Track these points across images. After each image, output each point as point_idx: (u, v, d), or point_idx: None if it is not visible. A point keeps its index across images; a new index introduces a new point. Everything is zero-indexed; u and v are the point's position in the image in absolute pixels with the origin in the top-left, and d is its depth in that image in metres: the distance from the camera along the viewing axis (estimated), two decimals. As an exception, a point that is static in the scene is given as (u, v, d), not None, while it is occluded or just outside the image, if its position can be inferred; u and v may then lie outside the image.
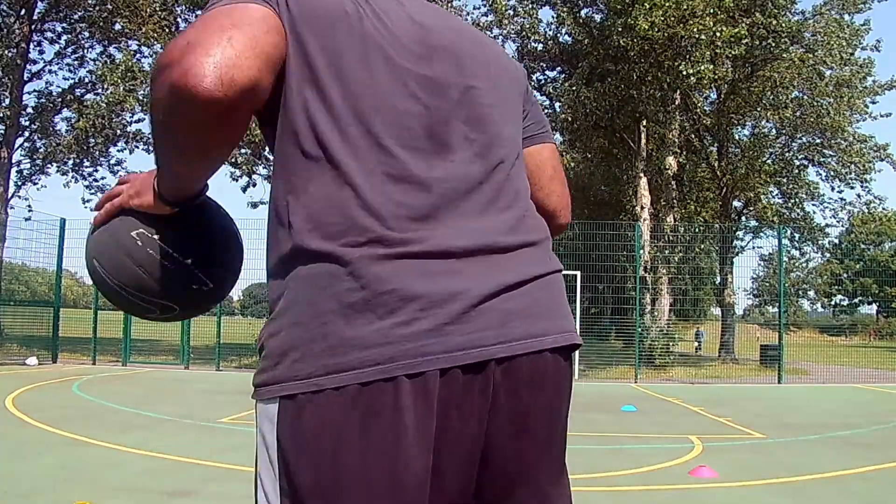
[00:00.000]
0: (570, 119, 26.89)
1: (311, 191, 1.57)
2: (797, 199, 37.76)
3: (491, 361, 1.58)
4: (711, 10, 23.28)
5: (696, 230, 31.84)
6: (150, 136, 20.21)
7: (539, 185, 2.03)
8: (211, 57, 1.42)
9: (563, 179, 2.14)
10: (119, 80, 24.73)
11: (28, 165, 30.68)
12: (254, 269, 30.98)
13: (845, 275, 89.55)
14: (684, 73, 23.80)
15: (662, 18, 23.07)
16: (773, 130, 34.64)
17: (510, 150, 1.82)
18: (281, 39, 1.56)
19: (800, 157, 35.47)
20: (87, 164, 31.45)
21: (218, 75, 1.41)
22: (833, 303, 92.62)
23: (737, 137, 36.04)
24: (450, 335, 1.52)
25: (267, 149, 26.43)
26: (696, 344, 36.74)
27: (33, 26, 29.36)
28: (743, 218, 38.86)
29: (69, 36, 30.61)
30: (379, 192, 1.56)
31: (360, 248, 1.52)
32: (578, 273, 23.45)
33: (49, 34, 30.60)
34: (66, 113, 30.52)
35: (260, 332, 1.62)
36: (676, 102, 29.12)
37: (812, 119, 30.79)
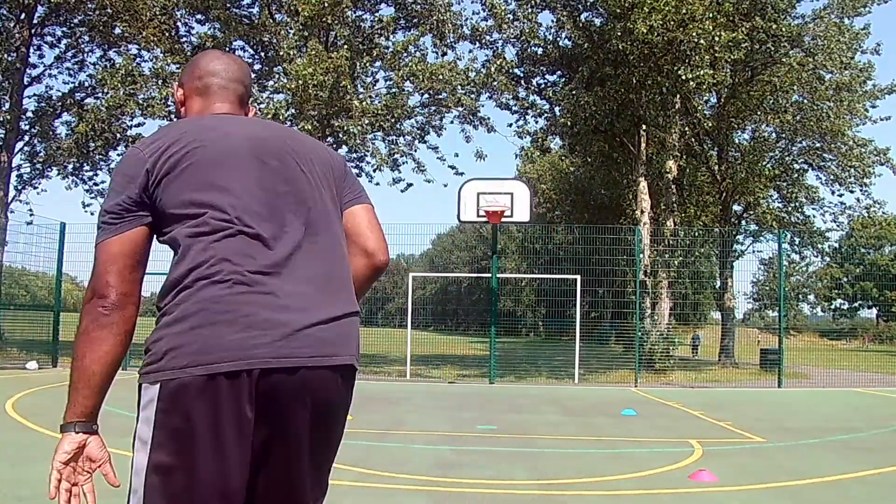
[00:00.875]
0: (569, 123, 26.88)
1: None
2: (797, 204, 37.78)
3: (301, 369, 2.28)
4: (711, 15, 23.29)
5: (696, 234, 31.84)
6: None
7: (359, 233, 2.74)
8: None
9: (378, 228, 2.80)
10: (119, 84, 24.74)
11: (28, 169, 30.72)
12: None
13: (845, 279, 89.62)
14: (684, 77, 23.82)
15: (662, 23, 23.08)
16: (773, 134, 34.64)
17: (325, 221, 2.53)
18: None
19: (800, 161, 35.47)
20: (87, 167, 31.46)
21: None
22: (833, 307, 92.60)
23: (737, 141, 36.04)
24: (280, 348, 2.23)
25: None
26: (693, 348, 36.74)
27: (33, 30, 29.37)
28: (743, 222, 38.84)
29: (69, 40, 30.61)
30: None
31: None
32: (578, 277, 23.46)
33: (49, 38, 30.63)
34: (66, 117, 30.56)
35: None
36: (676, 106, 29.14)
37: (812, 123, 30.77)
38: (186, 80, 2.89)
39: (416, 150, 27.90)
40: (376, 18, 27.16)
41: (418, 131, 28.31)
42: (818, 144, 32.91)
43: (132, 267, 2.52)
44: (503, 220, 22.39)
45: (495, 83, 26.08)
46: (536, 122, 30.33)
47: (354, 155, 29.15)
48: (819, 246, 41.26)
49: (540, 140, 29.92)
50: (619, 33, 24.45)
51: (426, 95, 26.72)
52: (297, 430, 2.34)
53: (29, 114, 29.98)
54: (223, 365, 2.20)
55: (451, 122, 28.36)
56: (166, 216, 2.42)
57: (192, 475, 2.24)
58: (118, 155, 30.97)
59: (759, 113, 32.25)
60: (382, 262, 2.80)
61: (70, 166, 30.56)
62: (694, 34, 23.02)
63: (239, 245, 2.32)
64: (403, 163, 27.98)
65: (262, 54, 28.17)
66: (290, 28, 24.74)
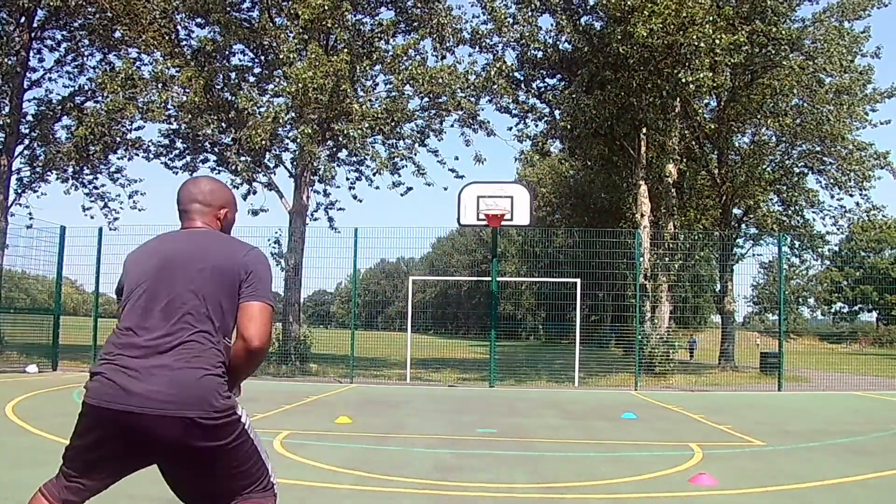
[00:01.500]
0: (569, 127, 26.87)
1: None
2: (797, 207, 37.77)
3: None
4: (711, 18, 23.32)
5: (696, 238, 31.87)
6: (149, 143, 20.13)
7: (243, 324, 3.71)
8: None
9: (259, 321, 3.70)
10: (119, 88, 24.71)
11: (28, 173, 30.71)
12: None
13: (845, 282, 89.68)
14: (684, 80, 23.82)
15: (661, 26, 23.09)
16: (773, 138, 34.63)
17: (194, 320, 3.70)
18: None
19: (800, 165, 35.45)
20: (86, 171, 31.46)
21: None
22: (833, 310, 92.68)
23: (737, 145, 36.04)
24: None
25: (267, 156, 26.49)
26: (690, 351, 36.68)
27: (33, 34, 29.36)
28: (743, 225, 38.84)
29: (69, 44, 30.59)
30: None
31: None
32: (578, 281, 23.46)
33: (49, 42, 30.60)
34: (65, 120, 30.53)
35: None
36: (676, 110, 29.14)
37: (812, 126, 30.73)
38: None
39: (416, 154, 27.85)
40: (376, 22, 27.17)
41: (418, 135, 28.27)
42: (818, 148, 32.87)
43: None
44: (503, 223, 22.38)
45: (495, 87, 26.05)
46: (536, 126, 30.40)
47: (354, 158, 29.15)
48: (819, 249, 41.23)
49: (540, 143, 29.91)
50: (618, 37, 24.47)
51: (426, 99, 26.69)
52: None
53: (29, 117, 29.97)
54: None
55: (451, 126, 28.36)
56: None
57: None
58: (118, 159, 31.03)
59: (758, 116, 32.26)
60: (257, 346, 3.72)
61: (70, 170, 30.55)
62: (694, 38, 23.05)
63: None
64: (403, 166, 27.95)
65: (262, 58, 28.15)
66: (290, 31, 24.72)
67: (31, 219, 28.86)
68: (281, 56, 24.02)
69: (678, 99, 28.24)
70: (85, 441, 4.10)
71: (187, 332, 3.65)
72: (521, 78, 29.96)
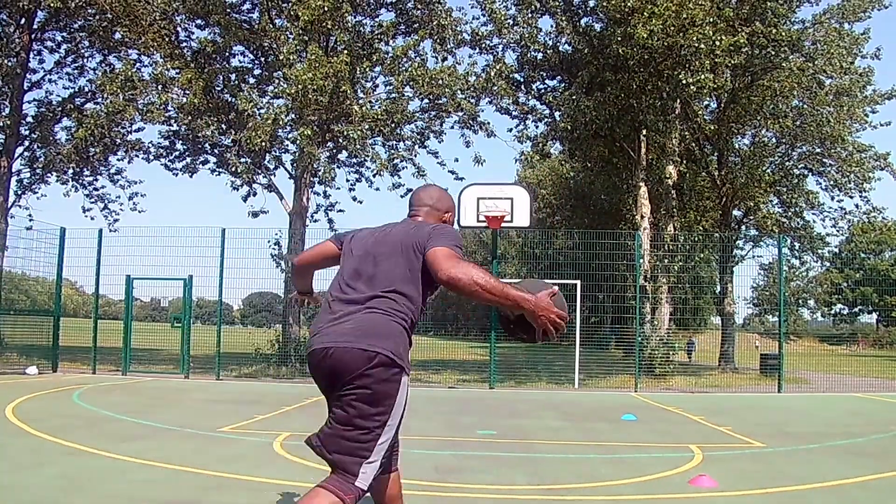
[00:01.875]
0: (569, 128, 26.87)
1: None
2: (797, 209, 37.76)
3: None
4: (711, 20, 23.30)
5: (696, 239, 31.86)
6: (149, 144, 20.19)
7: (430, 263, 4.34)
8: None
9: (439, 259, 4.25)
10: (119, 90, 24.73)
11: (28, 175, 30.74)
12: (254, 278, 30.62)
13: (845, 284, 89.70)
14: (684, 82, 23.79)
15: (662, 28, 23.08)
16: (773, 139, 34.63)
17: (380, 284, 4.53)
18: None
19: (800, 167, 35.44)
20: (86, 173, 31.49)
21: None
22: (833, 312, 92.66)
23: (737, 146, 36.03)
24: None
25: (267, 157, 26.50)
26: (688, 353, 36.67)
27: (33, 35, 29.39)
28: (743, 227, 38.84)
29: (69, 45, 30.63)
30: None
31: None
32: (578, 282, 23.41)
33: (49, 43, 30.64)
34: (65, 122, 30.57)
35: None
36: (676, 111, 29.13)
37: (812, 128, 30.72)
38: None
39: (416, 156, 27.80)
40: (376, 23, 27.16)
41: (418, 136, 28.26)
42: (818, 150, 32.87)
43: None
44: (503, 225, 22.35)
45: (495, 88, 26.04)
46: (536, 127, 30.39)
47: (354, 160, 29.15)
48: (819, 251, 41.22)
49: (540, 145, 29.88)
50: (618, 38, 24.45)
51: (426, 100, 26.70)
52: None
53: (29, 119, 30.02)
54: None
55: (451, 128, 28.34)
56: None
57: None
58: (118, 160, 31.08)
59: (759, 118, 32.27)
60: (441, 278, 4.25)
61: (70, 171, 30.58)
62: (694, 39, 23.03)
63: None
64: (403, 168, 27.91)
65: (262, 59, 28.16)
66: (290, 33, 24.72)
67: (31, 220, 28.94)
68: (281, 57, 24.02)
69: (678, 100, 28.24)
70: None
71: None
72: (521, 79, 29.96)
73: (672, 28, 23.21)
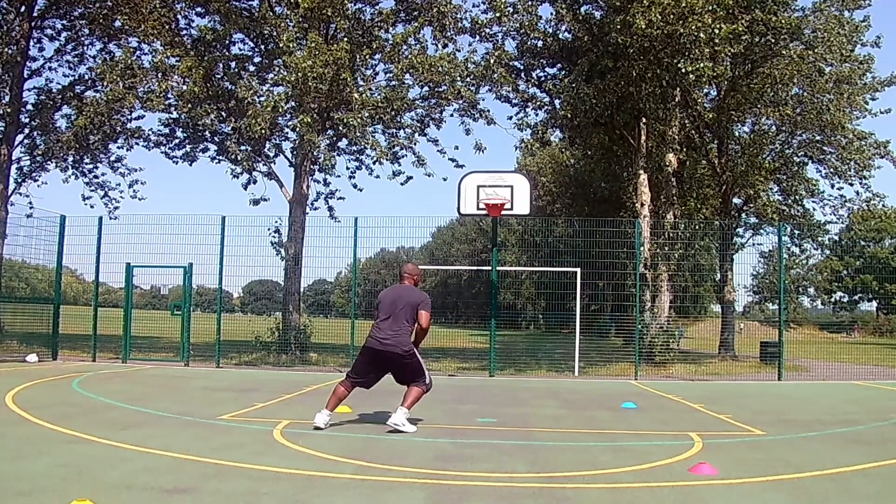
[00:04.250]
0: (569, 116, 26.79)
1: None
2: (797, 196, 37.74)
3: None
4: (710, 8, 23.22)
5: (697, 227, 31.81)
6: (149, 132, 20.22)
7: (420, 320, 11.30)
8: None
9: (425, 318, 11.30)
10: (119, 78, 24.72)
11: (28, 162, 30.73)
12: (254, 266, 30.69)
13: (845, 272, 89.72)
14: (683, 70, 23.73)
15: (661, 16, 23.02)
16: (773, 127, 34.59)
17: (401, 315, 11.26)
18: None
19: (800, 154, 35.41)
20: (86, 160, 31.48)
21: None
22: (833, 300, 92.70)
23: (737, 134, 36.01)
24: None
25: (267, 145, 26.50)
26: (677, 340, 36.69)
27: (33, 23, 29.37)
28: (743, 215, 38.82)
29: (69, 33, 30.61)
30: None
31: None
32: (578, 270, 23.41)
33: (49, 31, 30.63)
34: (65, 110, 30.55)
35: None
36: (676, 99, 29.09)
37: (812, 116, 30.70)
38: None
39: (415, 143, 27.73)
40: (376, 11, 27.08)
41: (418, 124, 28.23)
42: (818, 137, 32.86)
43: None
44: (503, 213, 22.32)
45: (495, 75, 26.00)
46: (536, 115, 30.25)
47: (354, 148, 29.14)
48: (819, 239, 41.24)
49: (540, 133, 29.78)
50: (618, 26, 24.39)
51: (426, 88, 26.66)
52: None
53: (29, 107, 30.02)
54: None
55: (451, 115, 28.30)
56: None
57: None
58: (118, 148, 31.06)
59: (759, 106, 32.22)
60: (424, 327, 11.31)
61: (70, 159, 30.56)
62: (693, 27, 22.95)
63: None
64: (403, 156, 27.88)
65: (262, 47, 28.10)
66: (290, 20, 24.67)
67: (31, 208, 28.91)
68: (281, 45, 23.96)
69: (678, 88, 28.20)
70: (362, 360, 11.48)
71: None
72: (521, 67, 29.87)
73: (671, 16, 23.15)
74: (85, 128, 26.43)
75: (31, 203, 29.88)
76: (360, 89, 25.38)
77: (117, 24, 27.53)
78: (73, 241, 24.66)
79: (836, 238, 77.93)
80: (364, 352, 11.35)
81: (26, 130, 30.09)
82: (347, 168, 33.94)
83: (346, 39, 24.00)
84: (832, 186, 35.12)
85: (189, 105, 25.02)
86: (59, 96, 30.32)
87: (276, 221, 26.72)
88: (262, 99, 24.64)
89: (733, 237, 35.14)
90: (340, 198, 30.81)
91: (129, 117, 29.04)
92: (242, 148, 26.55)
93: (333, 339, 27.48)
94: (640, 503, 7.16)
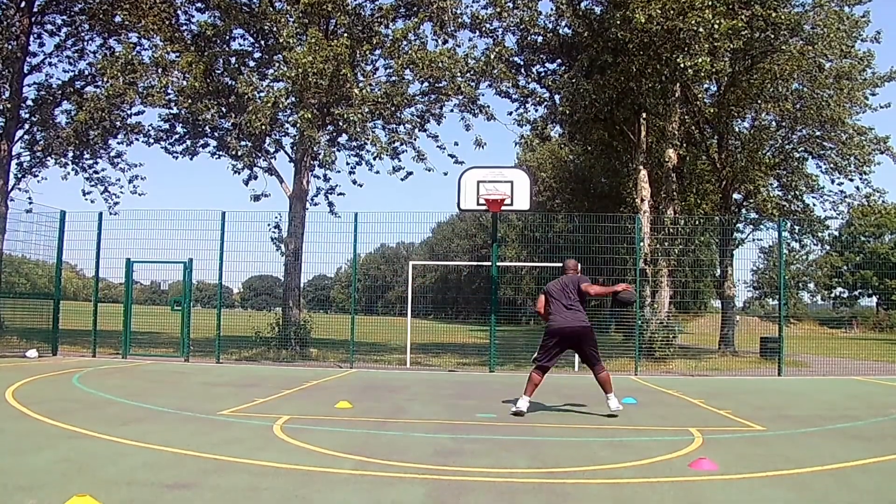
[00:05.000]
0: (569, 111, 26.78)
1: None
2: (797, 192, 37.71)
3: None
4: (710, 3, 23.19)
5: (697, 222, 31.78)
6: (149, 127, 20.25)
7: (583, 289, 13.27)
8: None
9: (590, 289, 13.30)
10: (119, 73, 24.70)
11: (28, 158, 30.72)
12: (254, 261, 30.84)
13: (845, 267, 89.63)
14: (683, 65, 23.72)
15: (661, 11, 23.01)
16: (773, 123, 34.58)
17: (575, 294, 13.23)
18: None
19: (800, 150, 35.38)
20: (87, 156, 31.49)
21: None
22: (833, 295, 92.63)
23: (737, 130, 35.97)
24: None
25: (267, 141, 26.49)
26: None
27: (33, 18, 29.37)
28: (743, 210, 38.79)
29: (69, 28, 30.59)
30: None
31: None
32: (578, 265, 23.39)
33: (49, 26, 30.62)
34: (65, 105, 30.57)
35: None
36: (676, 95, 29.06)
37: (812, 111, 30.67)
38: None
39: (415, 139, 27.70)
40: (376, 6, 27.06)
41: (418, 119, 28.21)
42: (818, 133, 32.83)
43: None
44: (503, 208, 22.32)
45: (495, 71, 25.97)
46: (536, 111, 30.20)
47: (354, 143, 29.14)
48: (819, 234, 41.17)
49: (540, 128, 29.79)
50: (618, 22, 24.37)
51: (426, 83, 26.64)
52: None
53: (29, 102, 30.02)
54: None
55: (451, 111, 28.27)
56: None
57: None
58: (118, 143, 31.08)
59: (759, 101, 32.17)
60: (591, 294, 13.36)
61: (70, 154, 30.57)
62: (693, 23, 22.94)
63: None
64: (403, 151, 27.85)
65: (262, 42, 28.07)
66: (290, 16, 24.67)
67: (31, 203, 28.94)
68: (281, 40, 23.95)
69: (678, 84, 28.18)
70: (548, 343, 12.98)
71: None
72: (521, 62, 29.82)
73: (671, 11, 23.14)
74: (85, 123, 26.42)
75: (30, 198, 29.94)
76: (360, 85, 25.38)
77: (117, 19, 27.53)
78: (73, 236, 24.71)
79: (836, 233, 77.70)
80: (552, 335, 12.87)
81: (26, 126, 30.09)
82: (347, 163, 33.87)
83: (346, 35, 23.98)
84: (832, 182, 35.13)
85: (189, 100, 25.00)
86: (59, 92, 30.33)
87: (276, 217, 26.76)
88: (262, 94, 24.63)
89: (733, 233, 35.10)
90: (340, 193, 30.90)
91: (129, 113, 29.07)
92: (242, 143, 26.56)
93: (333, 334, 27.52)
94: (641, 498, 7.16)
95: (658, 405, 14.90)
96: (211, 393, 15.19)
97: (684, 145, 33.77)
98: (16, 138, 29.35)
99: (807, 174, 36.65)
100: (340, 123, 25.47)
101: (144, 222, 24.00)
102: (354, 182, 31.49)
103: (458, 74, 25.47)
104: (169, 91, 25.33)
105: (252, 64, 28.03)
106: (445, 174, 28.17)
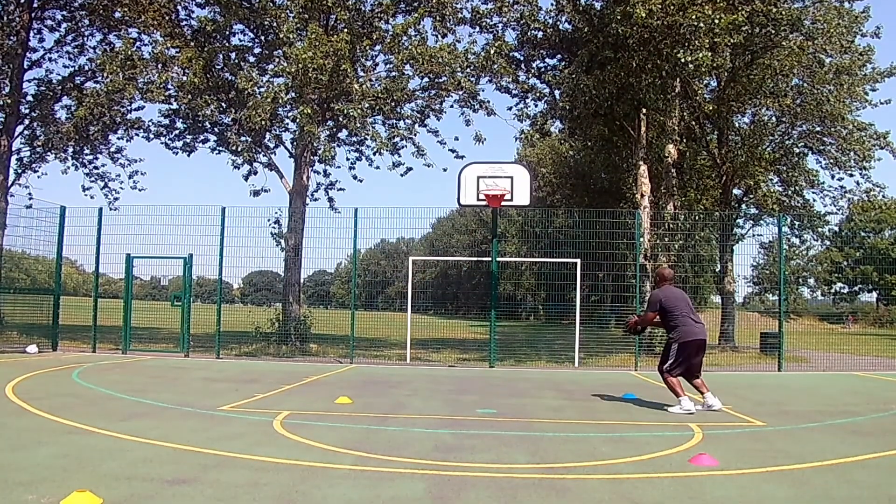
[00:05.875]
0: (569, 107, 26.82)
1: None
2: (797, 187, 37.73)
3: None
4: (711, -2, 23.23)
5: (697, 218, 31.78)
6: (149, 123, 20.21)
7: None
8: None
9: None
10: (119, 69, 24.67)
11: (28, 153, 30.73)
12: (254, 257, 30.74)
13: (845, 262, 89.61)
14: (683, 60, 23.70)
15: (661, 6, 23.00)
16: (773, 118, 34.59)
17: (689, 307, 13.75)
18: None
19: (800, 145, 35.41)
20: (86, 151, 31.50)
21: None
22: (833, 290, 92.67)
23: (737, 125, 36.00)
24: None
25: (267, 136, 26.48)
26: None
27: (33, 14, 29.35)
28: (743, 206, 38.82)
29: (69, 24, 30.58)
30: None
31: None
32: (578, 261, 23.37)
33: (49, 22, 30.61)
34: (65, 101, 30.56)
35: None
36: (676, 90, 29.08)
37: (812, 107, 30.71)
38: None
39: (415, 134, 27.68)
40: (376, 1, 27.01)
41: (418, 115, 28.19)
42: (818, 128, 32.87)
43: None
44: (503, 203, 22.31)
45: (495, 66, 25.94)
46: (536, 106, 30.23)
47: (354, 138, 29.13)
48: (819, 230, 41.22)
49: (540, 123, 29.79)
50: (618, 17, 24.35)
51: (426, 79, 26.61)
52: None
53: (29, 98, 30.00)
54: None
55: (451, 106, 28.25)
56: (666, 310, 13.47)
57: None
58: (118, 139, 31.08)
59: (759, 97, 32.20)
60: None
61: (70, 150, 30.57)
62: (693, 18, 22.94)
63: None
64: (403, 147, 27.83)
65: (262, 38, 28.05)
66: (290, 11, 24.63)
67: (30, 199, 28.96)
68: (281, 36, 23.93)
69: (678, 79, 28.19)
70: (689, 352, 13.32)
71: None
72: (521, 58, 29.83)
73: (671, 6, 23.13)
74: (85, 119, 26.43)
75: (30, 194, 29.99)
76: (360, 80, 25.34)
77: (117, 15, 27.51)
78: (74, 231, 24.71)
79: (836, 229, 77.82)
80: (694, 346, 13.35)
81: (26, 121, 30.08)
82: (347, 159, 33.88)
83: (346, 30, 23.95)
84: (832, 177, 35.22)
85: (189, 96, 24.97)
86: (59, 87, 30.32)
87: (277, 212, 26.75)
88: (262, 90, 24.59)
89: (733, 228, 35.14)
90: (340, 189, 30.85)
91: (129, 108, 29.10)
92: (242, 139, 26.54)
93: (333, 329, 27.52)
94: (640, 494, 7.16)
95: (658, 400, 14.88)
96: (211, 388, 15.18)
97: (684, 141, 33.78)
98: (16, 134, 29.35)
99: (807, 169, 36.71)
100: (340, 119, 25.47)
101: (144, 218, 23.99)
102: (354, 177, 31.52)
103: (459, 70, 25.44)
104: (169, 87, 25.32)
105: (252, 59, 27.98)
106: (445, 169, 28.29)
